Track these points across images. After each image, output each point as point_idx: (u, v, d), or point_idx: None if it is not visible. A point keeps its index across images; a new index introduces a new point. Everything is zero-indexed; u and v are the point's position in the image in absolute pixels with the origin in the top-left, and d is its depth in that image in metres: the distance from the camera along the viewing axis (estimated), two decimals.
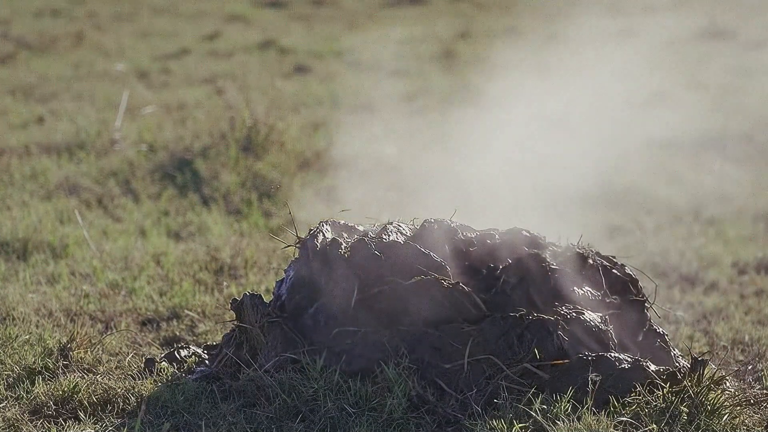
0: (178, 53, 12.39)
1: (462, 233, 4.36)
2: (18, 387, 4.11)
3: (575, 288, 4.17)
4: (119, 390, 4.06)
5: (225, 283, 5.43)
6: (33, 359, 4.30)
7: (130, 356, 4.47)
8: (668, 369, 3.99)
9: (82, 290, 5.25)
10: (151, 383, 4.14)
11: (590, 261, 4.27)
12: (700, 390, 3.86)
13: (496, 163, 5.76)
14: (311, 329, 4.10)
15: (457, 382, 3.96)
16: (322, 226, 4.33)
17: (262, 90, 9.84)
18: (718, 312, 5.19)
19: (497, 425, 3.74)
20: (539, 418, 3.73)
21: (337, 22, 14.86)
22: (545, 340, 3.95)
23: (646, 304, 4.29)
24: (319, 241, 4.21)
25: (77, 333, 4.44)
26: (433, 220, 4.39)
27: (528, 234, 4.37)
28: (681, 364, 4.17)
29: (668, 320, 5.04)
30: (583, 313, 4.06)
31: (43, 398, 4.00)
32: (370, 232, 4.38)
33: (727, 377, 4.21)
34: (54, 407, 3.96)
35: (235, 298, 4.38)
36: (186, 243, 6.13)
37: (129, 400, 4.03)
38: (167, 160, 7.63)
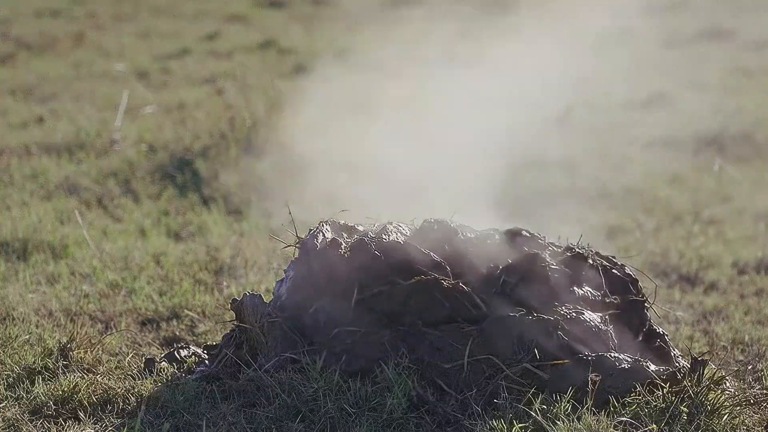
0: (178, 53, 12.39)
1: (462, 233, 4.36)
2: (18, 387, 4.11)
3: (575, 288, 4.17)
4: (119, 390, 4.06)
5: (225, 283, 5.43)
6: (33, 359, 4.29)
7: (130, 356, 4.47)
8: (668, 369, 3.99)
9: (82, 290, 5.25)
10: (151, 383, 4.14)
11: (590, 261, 4.27)
12: (700, 390, 3.86)
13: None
14: (311, 329, 4.09)
15: (457, 382, 3.96)
16: (322, 226, 4.33)
17: (262, 90, 9.85)
18: (718, 312, 5.19)
19: (497, 425, 3.74)
20: (539, 418, 3.73)
21: (337, 22, 14.85)
22: (545, 340, 3.95)
23: (646, 304, 4.29)
24: (319, 241, 4.21)
25: (77, 333, 4.44)
26: (433, 220, 4.39)
27: (528, 234, 4.37)
28: (681, 364, 4.17)
29: (668, 320, 5.04)
30: (583, 313, 4.06)
31: (43, 398, 4.00)
32: (370, 232, 4.38)
33: (727, 377, 4.21)
34: (54, 407, 3.96)
35: (235, 298, 4.38)
36: (186, 243, 6.13)
37: (129, 400, 4.03)
38: (167, 160, 7.64)
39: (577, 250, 4.30)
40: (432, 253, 4.15)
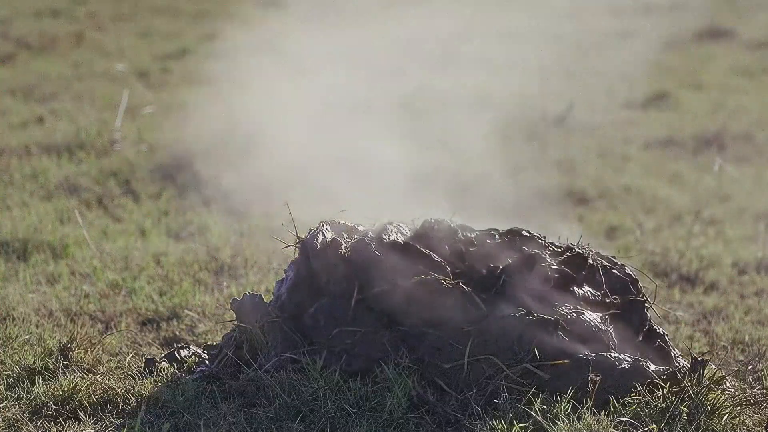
0: (178, 53, 12.39)
1: (462, 233, 4.36)
2: (18, 387, 4.11)
3: (575, 288, 4.17)
4: (119, 390, 4.06)
5: (225, 283, 5.43)
6: (33, 359, 4.29)
7: (130, 356, 4.47)
8: (668, 369, 3.99)
9: (82, 290, 5.25)
10: (151, 383, 4.14)
11: (590, 261, 4.27)
12: (700, 390, 3.86)
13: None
14: (311, 329, 4.10)
15: (457, 382, 3.96)
16: (322, 226, 4.33)
17: (262, 90, 9.84)
18: (718, 312, 5.19)
19: (497, 425, 3.74)
20: (539, 418, 3.73)
21: (336, 21, 14.85)
22: (545, 340, 3.95)
23: (646, 304, 4.29)
24: (319, 241, 4.21)
25: (77, 333, 4.44)
26: (433, 220, 4.39)
27: (528, 234, 4.37)
28: (681, 364, 4.17)
29: (668, 320, 5.04)
30: (583, 313, 4.06)
31: (43, 398, 4.00)
32: (370, 232, 4.38)
33: (727, 377, 4.21)
34: (54, 407, 3.96)
35: (235, 298, 4.38)
36: (186, 243, 6.13)
37: (129, 400, 4.03)
38: (167, 160, 7.63)
39: (577, 250, 4.30)
40: (432, 253, 4.15)
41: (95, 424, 3.89)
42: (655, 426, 3.75)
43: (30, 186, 7.11)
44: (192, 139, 7.61)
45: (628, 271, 4.35)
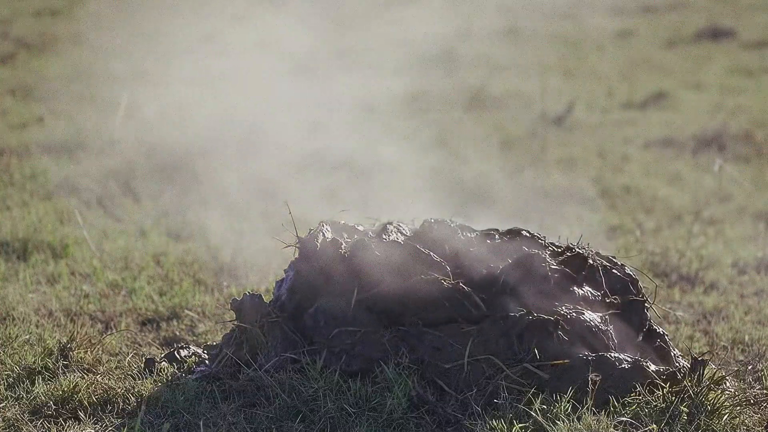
0: (179, 53, 12.38)
1: (462, 233, 4.36)
2: (18, 387, 4.11)
3: (575, 288, 4.17)
4: (119, 390, 4.06)
5: (225, 283, 5.43)
6: (33, 359, 4.29)
7: (130, 356, 4.47)
8: (668, 369, 3.99)
9: (82, 290, 5.25)
10: (151, 383, 4.14)
11: (590, 261, 4.27)
12: (700, 390, 3.86)
13: None
14: (311, 329, 4.10)
15: (457, 382, 3.96)
16: (322, 226, 4.34)
17: (262, 90, 9.85)
18: (718, 312, 5.19)
19: (497, 425, 3.74)
20: (539, 418, 3.73)
21: (336, 21, 14.86)
22: (545, 340, 3.95)
23: (646, 304, 4.29)
24: (319, 241, 4.22)
25: (77, 333, 4.44)
26: (433, 220, 4.39)
27: (528, 234, 4.37)
28: (681, 364, 4.17)
29: (668, 320, 5.04)
30: (583, 313, 4.06)
31: (43, 398, 4.00)
32: (370, 232, 4.38)
33: (727, 377, 4.21)
34: (54, 407, 3.96)
35: (235, 298, 4.38)
36: (186, 243, 6.13)
37: (129, 400, 4.03)
38: (167, 160, 7.63)
39: (577, 250, 4.30)
40: (432, 253, 4.15)
41: (95, 424, 3.90)
42: (655, 426, 3.75)
43: (30, 186, 7.11)
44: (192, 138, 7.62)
45: (628, 271, 4.35)
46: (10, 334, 4.54)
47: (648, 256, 5.98)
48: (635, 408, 3.83)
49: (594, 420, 3.71)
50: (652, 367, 3.96)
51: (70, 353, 4.33)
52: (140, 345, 4.69)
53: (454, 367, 3.97)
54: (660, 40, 14.68)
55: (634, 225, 6.66)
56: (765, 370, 4.37)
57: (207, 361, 4.36)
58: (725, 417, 3.84)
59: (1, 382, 4.16)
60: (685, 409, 3.82)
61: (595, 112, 10.29)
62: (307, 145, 7.91)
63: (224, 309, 5.02)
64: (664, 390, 3.88)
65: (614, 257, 4.41)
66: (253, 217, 6.59)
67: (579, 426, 3.69)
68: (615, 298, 4.23)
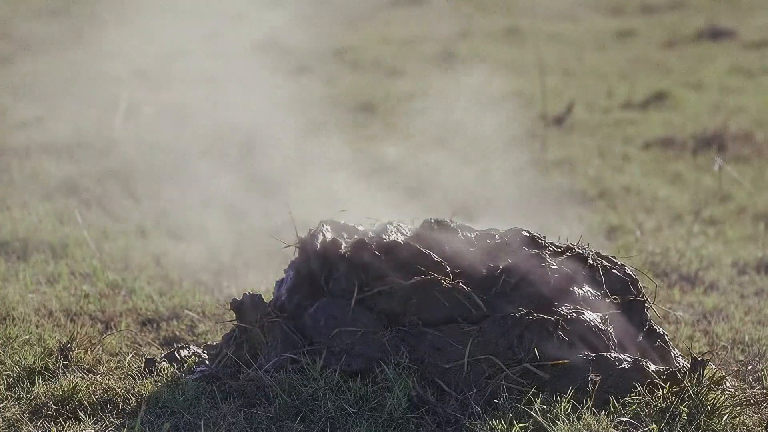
0: (178, 53, 12.38)
1: (462, 233, 4.36)
2: (18, 387, 4.11)
3: (575, 288, 4.17)
4: (119, 390, 4.06)
5: (225, 283, 5.43)
6: (33, 359, 4.29)
7: (130, 356, 4.47)
8: (668, 369, 3.99)
9: (82, 290, 5.25)
10: (151, 383, 4.14)
11: (590, 261, 4.27)
12: (700, 390, 3.86)
13: None
14: (311, 329, 4.10)
15: (457, 382, 3.96)
16: (322, 226, 4.34)
17: (262, 90, 9.85)
18: (718, 312, 5.19)
19: (497, 425, 3.74)
20: (539, 418, 3.73)
21: (337, 21, 14.86)
22: (545, 340, 3.95)
23: (646, 304, 4.29)
24: (319, 241, 4.22)
25: (77, 333, 4.44)
26: (433, 220, 4.39)
27: (528, 234, 4.37)
28: (681, 364, 4.17)
29: (668, 320, 5.04)
30: (583, 313, 4.06)
31: (43, 398, 4.00)
32: (370, 232, 4.39)
33: (727, 377, 4.21)
34: (54, 407, 3.96)
35: (235, 298, 4.38)
36: (186, 243, 6.13)
37: (129, 400, 4.03)
38: (167, 160, 7.64)
39: (577, 250, 4.30)
40: (432, 253, 4.15)
41: (95, 424, 3.90)
42: (655, 426, 3.75)
43: (30, 186, 7.11)
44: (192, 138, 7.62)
45: (628, 271, 4.35)
46: (10, 334, 4.54)
47: (648, 256, 5.98)
48: (635, 408, 3.83)
49: (594, 420, 3.71)
50: (652, 367, 3.96)
51: (70, 353, 4.33)
52: (140, 345, 4.69)
53: (454, 367, 3.97)
54: (660, 40, 14.69)
55: (634, 225, 6.66)
56: (765, 370, 4.37)
57: (207, 361, 4.36)
58: (725, 417, 3.84)
59: (1, 382, 4.16)
60: (685, 409, 3.82)
61: (595, 112, 10.29)
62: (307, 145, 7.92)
63: (224, 309, 5.02)
64: (664, 390, 3.88)
65: (614, 257, 4.41)
66: (253, 217, 6.59)
67: (579, 426, 3.69)
68: (615, 298, 4.23)
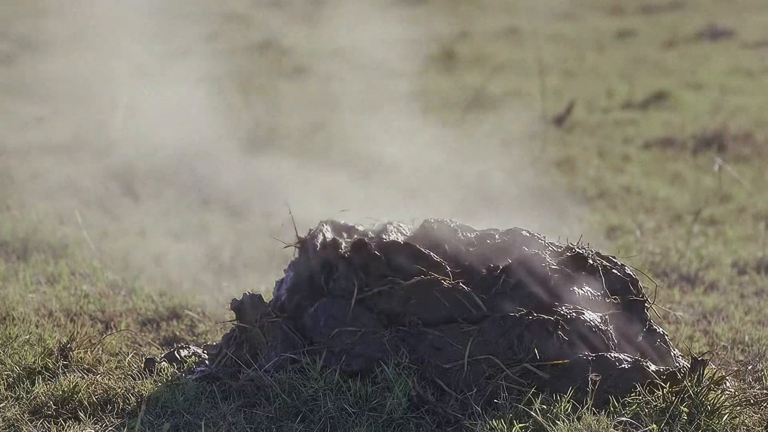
0: (181, 53, 12.38)
1: (462, 233, 4.36)
2: (18, 387, 4.11)
3: (575, 288, 4.17)
4: (119, 390, 4.06)
5: (225, 283, 5.43)
6: (33, 359, 4.29)
7: (130, 356, 4.47)
8: (668, 369, 3.99)
9: (82, 290, 5.25)
10: (151, 383, 4.14)
11: (590, 261, 4.27)
12: (700, 390, 3.86)
13: None
14: (311, 329, 4.10)
15: (457, 382, 3.96)
16: (322, 226, 4.33)
17: (263, 90, 9.86)
18: (718, 312, 5.19)
19: (497, 425, 3.74)
20: (539, 418, 3.73)
21: (337, 22, 14.86)
22: (545, 340, 3.95)
23: (646, 304, 4.29)
24: (319, 241, 4.22)
25: (77, 333, 4.44)
26: (433, 220, 4.39)
27: (528, 234, 4.36)
28: (681, 364, 4.17)
29: (668, 320, 5.04)
30: (583, 313, 4.06)
31: (43, 398, 4.00)
32: (370, 232, 4.38)
33: (727, 377, 4.21)
34: (54, 407, 3.96)
35: (235, 298, 4.38)
36: (186, 243, 6.13)
37: (129, 400, 4.03)
38: (167, 160, 7.63)
39: (577, 250, 4.30)
40: (432, 253, 4.15)
41: (95, 424, 3.89)
42: (655, 426, 3.75)
43: (30, 186, 7.11)
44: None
45: (628, 271, 4.35)
46: (10, 334, 4.54)
47: (648, 256, 5.98)
48: (635, 408, 3.83)
49: (594, 420, 3.71)
50: (652, 367, 3.96)
51: (70, 353, 4.33)
52: (140, 345, 4.69)
53: (454, 367, 3.97)
54: (660, 40, 14.69)
55: (634, 225, 6.66)
56: (765, 370, 4.37)
57: (207, 361, 4.36)
58: (725, 417, 3.84)
59: (1, 382, 4.16)
60: (685, 409, 3.82)
61: (595, 112, 10.29)
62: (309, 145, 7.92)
63: (224, 309, 5.02)
64: (664, 390, 3.88)
65: (614, 257, 4.40)
66: (253, 217, 6.59)
67: (579, 426, 3.69)
68: (615, 298, 4.23)
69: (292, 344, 4.08)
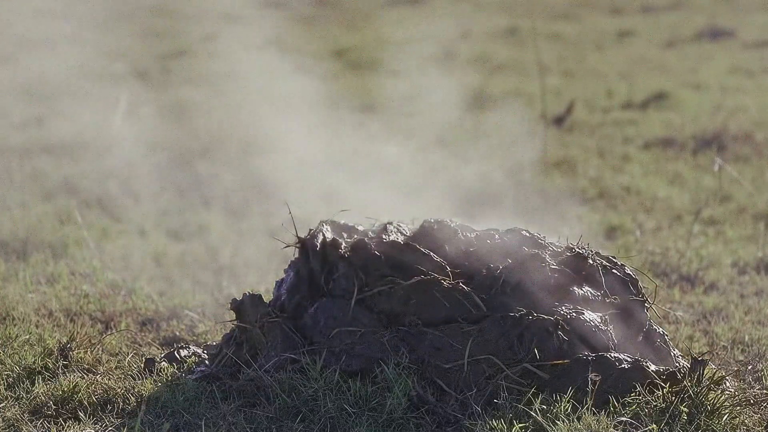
0: (178, 53, 12.39)
1: (462, 233, 4.35)
2: (18, 387, 4.11)
3: (575, 288, 4.17)
4: (119, 390, 4.06)
5: (225, 283, 5.43)
6: (33, 359, 4.29)
7: (130, 356, 4.47)
8: (668, 369, 3.99)
9: (82, 290, 5.25)
10: (151, 383, 4.14)
11: (590, 261, 4.27)
12: (700, 390, 3.86)
13: None
14: (311, 329, 4.10)
15: (457, 382, 3.96)
16: (322, 226, 4.33)
17: (263, 90, 9.85)
18: (718, 312, 5.19)
19: (497, 425, 3.74)
20: (539, 418, 3.73)
21: (337, 22, 14.86)
22: (545, 340, 3.95)
23: (646, 304, 4.29)
24: (319, 241, 4.22)
25: (77, 333, 4.44)
26: (433, 220, 4.39)
27: (528, 234, 4.37)
28: (681, 364, 4.17)
29: (668, 320, 5.04)
30: (583, 313, 4.06)
31: (43, 398, 4.00)
32: (370, 232, 4.38)
33: (727, 377, 4.21)
34: (54, 407, 3.96)
35: (235, 298, 4.38)
36: (186, 243, 6.13)
37: (129, 400, 4.03)
38: (167, 160, 7.64)
39: (577, 250, 4.30)
40: (432, 253, 4.15)
41: (95, 424, 3.89)
42: (655, 426, 3.75)
43: (30, 186, 7.11)
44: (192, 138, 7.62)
45: (628, 271, 4.35)
46: (10, 334, 4.54)
47: (648, 256, 5.98)
48: (635, 408, 3.83)
49: (594, 420, 3.71)
50: (652, 367, 3.96)
51: (70, 353, 4.33)
52: (140, 345, 4.69)
53: (454, 367, 3.97)
54: (660, 40, 14.69)
55: (634, 225, 6.66)
56: (765, 370, 4.37)
57: (207, 361, 4.36)
58: (725, 417, 3.84)
59: (1, 382, 4.16)
60: (685, 409, 3.82)
61: (595, 112, 10.29)
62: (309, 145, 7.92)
63: (224, 309, 5.02)
64: (664, 390, 3.88)
65: (614, 257, 4.40)
66: (253, 217, 6.59)
67: (579, 426, 3.69)
68: (615, 298, 4.23)
69: (292, 344, 4.08)
